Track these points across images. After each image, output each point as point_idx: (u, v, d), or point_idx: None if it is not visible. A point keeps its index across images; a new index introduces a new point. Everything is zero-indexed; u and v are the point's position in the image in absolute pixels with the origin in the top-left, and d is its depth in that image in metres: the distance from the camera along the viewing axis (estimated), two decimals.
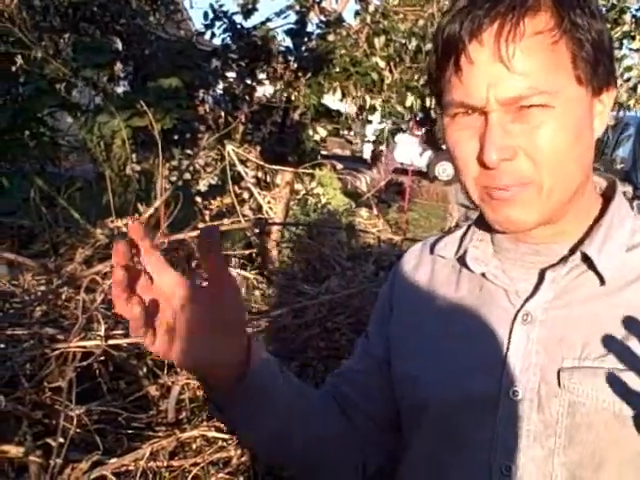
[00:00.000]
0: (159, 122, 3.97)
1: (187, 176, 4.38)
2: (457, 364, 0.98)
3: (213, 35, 5.68)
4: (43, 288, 2.12)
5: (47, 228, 2.75)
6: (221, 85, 5.54)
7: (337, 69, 5.25)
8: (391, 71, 5.22)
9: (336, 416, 1.10)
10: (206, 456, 1.63)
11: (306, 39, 5.46)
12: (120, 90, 5.63)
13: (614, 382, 0.77)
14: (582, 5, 0.87)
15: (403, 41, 5.20)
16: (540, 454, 0.90)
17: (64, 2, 5.64)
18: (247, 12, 5.47)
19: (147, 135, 4.03)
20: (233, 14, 5.54)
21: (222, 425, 1.64)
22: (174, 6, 6.98)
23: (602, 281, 0.91)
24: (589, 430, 0.87)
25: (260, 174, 4.30)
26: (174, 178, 3.94)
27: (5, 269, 2.34)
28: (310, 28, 5.57)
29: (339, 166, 4.38)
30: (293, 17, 5.50)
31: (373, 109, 5.23)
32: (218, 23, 5.56)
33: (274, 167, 3.63)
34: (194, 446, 1.68)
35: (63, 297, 2.00)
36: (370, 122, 5.45)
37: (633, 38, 5.43)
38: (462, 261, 1.03)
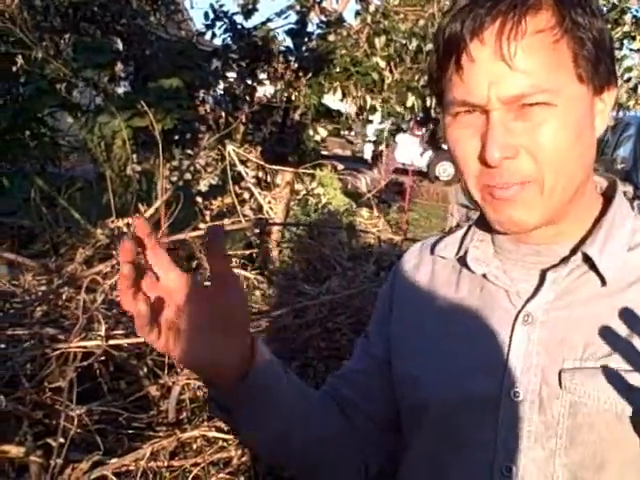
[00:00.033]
0: (160, 122, 3.97)
1: (188, 176, 4.38)
2: (458, 364, 0.98)
3: (214, 35, 5.68)
4: (43, 288, 2.12)
5: (47, 228, 2.75)
6: (222, 85, 5.54)
7: (337, 69, 5.25)
8: (391, 71, 5.22)
9: (335, 416, 1.10)
10: (207, 456, 1.63)
11: (306, 39, 5.47)
12: (121, 90, 5.63)
13: (614, 378, 0.77)
14: (583, 4, 0.87)
15: (404, 41, 5.20)
16: (541, 455, 0.89)
17: (64, 2, 5.64)
18: (247, 12, 5.47)
19: (148, 135, 4.03)
20: (234, 14, 5.54)
21: (223, 425, 1.64)
22: (175, 6, 6.98)
23: (603, 282, 0.91)
24: (591, 431, 0.87)
25: (260, 174, 4.30)
26: (175, 178, 3.94)
27: (5, 269, 2.34)
28: (311, 28, 5.58)
29: (340, 166, 4.38)
30: (294, 17, 5.51)
31: (373, 109, 5.23)
32: (219, 23, 5.57)
33: (274, 167, 3.63)
34: (195, 446, 1.69)
35: (64, 297, 2.00)
36: (371, 122, 5.45)
37: (633, 38, 5.43)
38: (463, 261, 1.03)
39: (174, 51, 5.35)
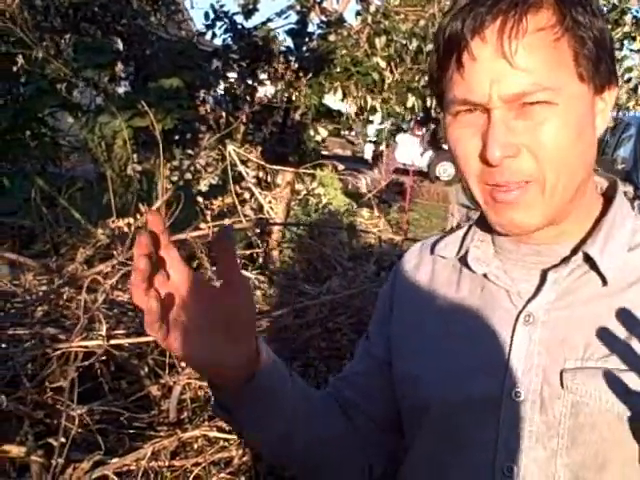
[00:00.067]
0: (160, 122, 3.97)
1: (188, 176, 4.38)
2: (458, 364, 0.98)
3: (214, 35, 5.68)
4: (44, 288, 2.12)
5: (48, 228, 2.75)
6: (222, 85, 5.54)
7: (338, 69, 5.25)
8: (392, 71, 5.22)
9: (337, 417, 1.10)
10: (207, 456, 1.63)
11: (307, 39, 5.47)
12: (121, 90, 5.63)
13: (613, 382, 0.78)
14: (583, 3, 0.87)
15: (404, 41, 5.20)
16: (542, 455, 0.89)
17: (65, 2, 5.64)
18: (248, 12, 5.47)
19: (148, 135, 4.03)
20: (234, 14, 5.54)
21: (224, 425, 1.64)
22: (175, 6, 6.98)
23: (604, 282, 0.91)
24: (592, 431, 0.87)
25: (261, 174, 4.30)
26: (175, 178, 3.95)
27: (6, 269, 2.35)
28: (311, 28, 5.57)
29: (340, 166, 4.38)
30: (294, 17, 5.50)
31: (374, 110, 5.23)
32: (219, 23, 5.57)
33: (275, 167, 3.63)
34: (195, 446, 1.69)
35: (64, 297, 2.01)
36: (371, 122, 5.44)
37: (634, 39, 5.43)
38: (463, 261, 1.03)
39: (174, 51, 5.35)
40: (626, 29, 5.32)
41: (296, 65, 5.31)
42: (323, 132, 5.38)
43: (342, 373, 1.19)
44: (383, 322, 1.13)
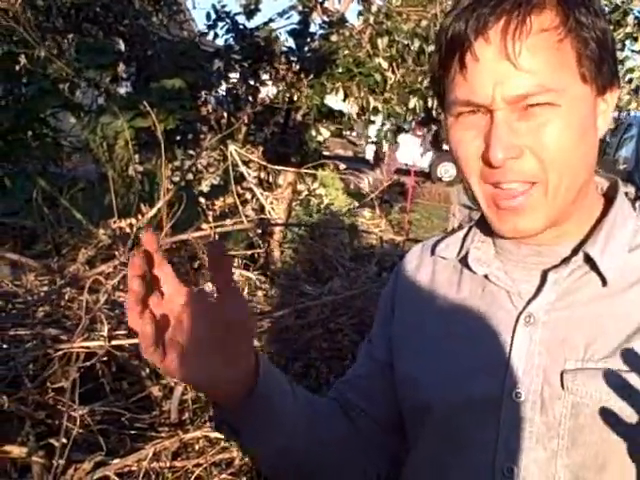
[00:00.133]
0: (162, 123, 3.97)
1: (190, 177, 4.38)
2: (459, 365, 0.98)
3: (216, 36, 5.67)
4: (46, 288, 2.12)
5: (49, 228, 2.75)
6: (224, 86, 5.53)
7: (340, 70, 5.24)
8: (394, 72, 5.21)
9: (339, 420, 1.10)
10: (209, 457, 1.63)
11: (309, 39, 5.46)
12: (123, 91, 5.63)
13: (614, 383, 0.77)
14: (586, 4, 0.87)
15: (406, 42, 5.19)
16: (543, 456, 0.89)
17: (67, 3, 5.64)
18: (250, 13, 5.46)
19: (150, 136, 4.03)
20: (236, 15, 5.53)
21: None
22: (177, 7, 6.97)
23: (604, 282, 0.91)
24: (592, 432, 0.87)
25: (263, 175, 4.30)
26: (177, 179, 3.94)
27: (8, 269, 2.35)
28: (313, 28, 5.56)
29: (342, 166, 4.37)
30: (296, 17, 5.49)
31: (376, 110, 5.22)
32: (221, 24, 5.55)
33: (276, 167, 3.63)
34: (197, 447, 1.69)
35: (66, 298, 2.01)
36: (373, 122, 5.43)
37: (636, 40, 5.42)
38: (464, 262, 1.03)
39: (176, 52, 5.35)
40: (628, 30, 5.31)
41: (298, 65, 5.31)
42: (325, 132, 5.37)
43: (345, 376, 1.19)
44: (385, 323, 1.13)
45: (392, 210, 8.87)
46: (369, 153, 16.33)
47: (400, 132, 5.82)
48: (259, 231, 3.26)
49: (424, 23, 5.20)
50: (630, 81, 5.38)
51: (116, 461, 1.54)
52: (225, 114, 5.29)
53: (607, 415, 0.78)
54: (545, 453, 0.89)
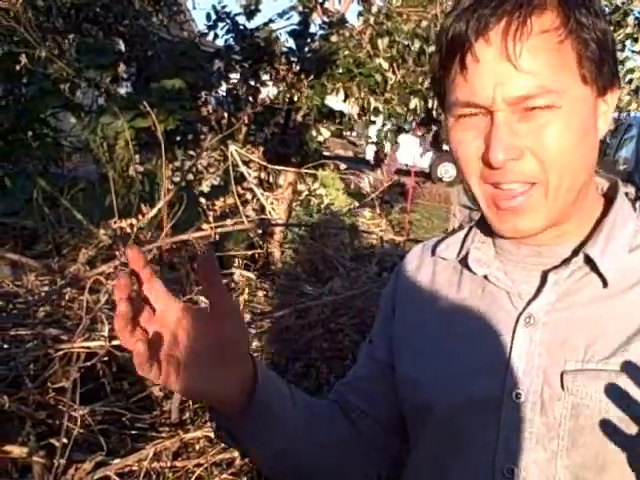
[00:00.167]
0: (162, 123, 3.97)
1: (190, 177, 4.38)
2: (459, 365, 0.98)
3: (216, 36, 5.67)
4: (46, 289, 2.12)
5: (50, 229, 2.75)
6: (224, 86, 5.53)
7: (340, 70, 5.24)
8: (394, 73, 5.21)
9: (340, 422, 1.10)
10: (209, 457, 1.63)
11: (309, 40, 5.45)
12: (123, 91, 5.63)
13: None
14: (587, 4, 0.87)
15: (406, 42, 5.18)
16: (543, 457, 0.89)
17: (67, 3, 5.64)
18: (250, 13, 5.45)
19: (150, 136, 4.02)
20: (236, 15, 5.53)
21: None
22: (177, 7, 6.97)
23: (605, 283, 0.91)
24: (592, 433, 0.87)
25: (263, 175, 4.30)
26: (177, 179, 3.94)
27: (8, 270, 2.35)
28: (313, 29, 5.56)
29: (342, 166, 4.38)
30: (296, 18, 5.49)
31: (377, 111, 5.22)
32: (221, 24, 5.55)
33: (277, 167, 3.63)
34: (197, 447, 1.69)
35: (67, 298, 2.01)
36: (373, 123, 5.43)
37: (636, 40, 5.42)
38: (464, 263, 1.03)
39: (176, 52, 5.35)
40: (628, 30, 5.31)
41: (298, 66, 5.31)
42: (325, 133, 5.37)
43: (345, 378, 1.19)
44: (385, 323, 1.13)
45: (392, 210, 8.87)
46: (369, 153, 16.32)
47: (400, 132, 5.82)
48: (259, 231, 3.26)
49: (424, 24, 5.19)
50: (630, 82, 5.38)
51: (117, 461, 1.54)
52: (225, 114, 5.29)
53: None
54: (545, 454, 0.89)
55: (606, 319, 0.90)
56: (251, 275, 2.76)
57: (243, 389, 0.88)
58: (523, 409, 0.91)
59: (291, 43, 5.47)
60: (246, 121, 4.98)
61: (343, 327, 2.33)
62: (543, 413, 0.90)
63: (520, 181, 0.88)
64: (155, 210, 2.48)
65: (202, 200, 2.77)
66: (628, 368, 0.78)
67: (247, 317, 2.26)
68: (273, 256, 3.54)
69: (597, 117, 0.91)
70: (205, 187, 4.45)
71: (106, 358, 1.75)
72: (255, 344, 2.12)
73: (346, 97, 5.25)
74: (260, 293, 2.67)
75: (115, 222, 2.42)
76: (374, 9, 5.49)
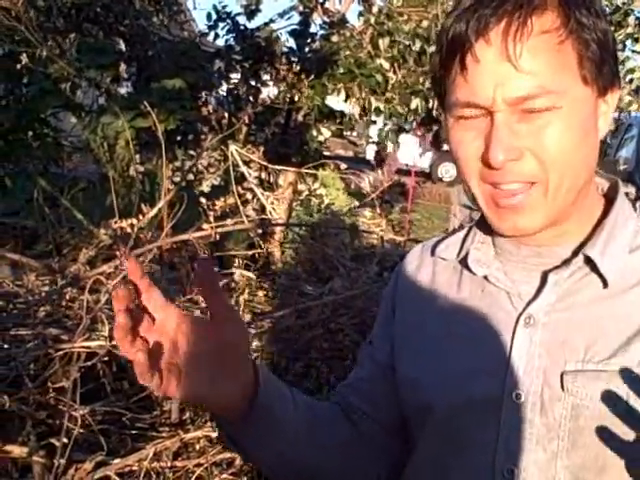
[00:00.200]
0: (162, 123, 3.97)
1: (190, 177, 4.38)
2: (459, 365, 0.98)
3: (216, 36, 5.66)
4: (47, 289, 2.12)
5: (50, 229, 2.75)
6: (225, 86, 5.53)
7: (341, 70, 5.24)
8: (395, 73, 5.21)
9: (342, 424, 1.10)
10: (209, 457, 1.63)
11: (309, 40, 5.45)
12: (124, 91, 5.63)
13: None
14: (587, 5, 0.86)
15: (407, 43, 5.18)
16: (543, 457, 0.89)
17: (67, 3, 5.64)
18: (250, 13, 5.45)
19: (150, 136, 4.02)
20: (236, 15, 5.52)
21: None
22: (177, 7, 6.97)
23: (605, 284, 0.91)
24: (592, 433, 0.86)
25: (263, 175, 4.30)
26: (177, 179, 3.95)
27: (9, 270, 2.35)
28: (313, 29, 5.55)
29: (343, 165, 4.38)
30: (296, 18, 5.48)
31: (378, 111, 5.22)
32: (221, 24, 5.55)
33: (277, 167, 3.63)
34: (197, 447, 1.69)
35: (67, 297, 2.01)
36: (374, 122, 5.42)
37: (636, 40, 5.41)
38: (464, 263, 1.03)
39: (177, 52, 5.34)
40: (629, 30, 5.31)
41: (299, 66, 5.30)
42: (326, 133, 5.36)
43: (347, 380, 1.19)
44: (386, 323, 1.13)
45: (393, 210, 8.87)
46: (369, 153, 16.31)
47: (401, 132, 5.82)
48: (260, 231, 3.26)
49: (425, 24, 5.19)
50: (631, 81, 5.38)
51: (117, 461, 1.55)
52: (226, 114, 5.29)
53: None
54: (545, 454, 0.89)
55: (606, 320, 0.89)
56: (251, 275, 2.76)
57: (244, 393, 0.88)
58: (523, 410, 0.90)
59: (292, 43, 5.47)
60: (246, 121, 4.98)
61: (343, 327, 2.33)
62: (543, 414, 0.90)
63: (519, 181, 0.88)
64: (155, 210, 2.48)
65: (202, 200, 2.77)
66: (625, 374, 0.78)
67: (247, 317, 2.26)
68: (273, 256, 3.55)
69: (597, 117, 0.91)
70: (205, 187, 4.45)
71: (106, 358, 1.75)
72: (255, 344, 2.12)
73: (347, 97, 5.25)
74: (260, 293, 2.67)
75: (115, 222, 2.42)
76: (375, 9, 5.49)
